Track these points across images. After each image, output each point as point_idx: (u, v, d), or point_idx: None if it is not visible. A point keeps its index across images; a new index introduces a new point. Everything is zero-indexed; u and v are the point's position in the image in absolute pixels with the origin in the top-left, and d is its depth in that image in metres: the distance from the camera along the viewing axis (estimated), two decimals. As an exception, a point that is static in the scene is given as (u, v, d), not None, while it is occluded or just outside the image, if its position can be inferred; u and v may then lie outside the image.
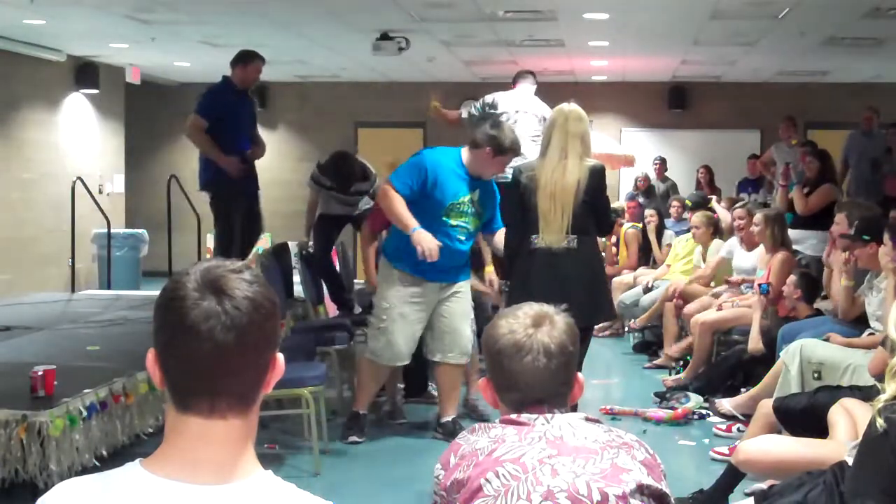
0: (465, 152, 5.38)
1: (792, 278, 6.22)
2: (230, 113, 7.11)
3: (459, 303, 5.50)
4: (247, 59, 7.30)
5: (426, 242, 5.10)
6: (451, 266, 5.40)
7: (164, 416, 1.45)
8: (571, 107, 4.89)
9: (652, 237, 9.51)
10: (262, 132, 14.00)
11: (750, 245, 7.22)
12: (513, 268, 4.96)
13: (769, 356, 5.88)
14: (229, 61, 7.35)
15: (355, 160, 7.44)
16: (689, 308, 7.31)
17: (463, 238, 5.38)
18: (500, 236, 5.49)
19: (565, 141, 4.77)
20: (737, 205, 8.03)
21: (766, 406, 4.43)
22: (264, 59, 7.40)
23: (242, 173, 7.12)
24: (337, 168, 7.27)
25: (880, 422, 2.48)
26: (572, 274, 4.75)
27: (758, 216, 6.88)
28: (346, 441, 5.49)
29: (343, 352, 6.33)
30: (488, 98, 7.08)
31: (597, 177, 4.79)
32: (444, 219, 5.29)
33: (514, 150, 5.36)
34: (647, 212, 9.63)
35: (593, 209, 4.81)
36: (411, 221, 5.16)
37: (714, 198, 9.68)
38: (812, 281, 6.28)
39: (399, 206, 5.21)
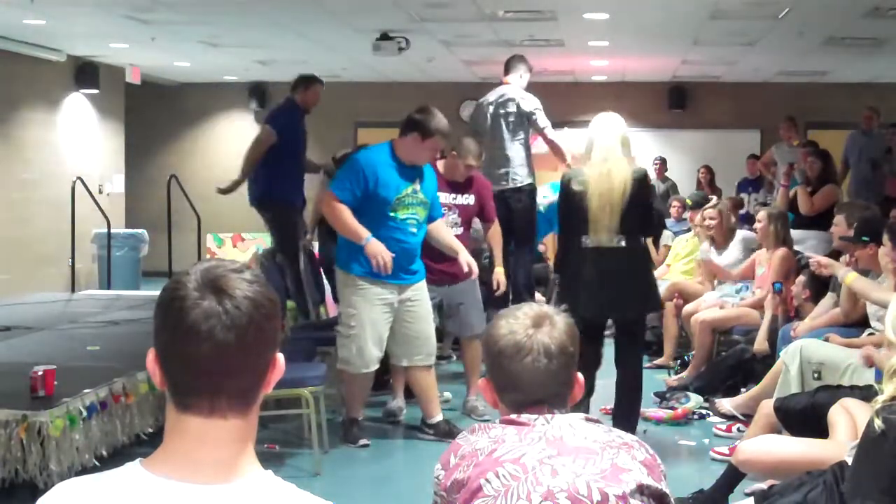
0: (396, 143, 5.32)
1: (801, 279, 6.21)
2: (296, 133, 7.22)
3: (420, 306, 5.45)
4: (308, 83, 7.38)
5: (380, 254, 5.08)
6: (408, 264, 5.35)
7: (164, 416, 1.45)
8: (609, 114, 5.21)
9: (648, 240, 9.50)
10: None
11: (720, 243, 7.28)
12: (563, 265, 5.28)
13: (771, 356, 5.88)
14: (291, 86, 7.50)
15: None
16: (686, 309, 7.33)
17: (415, 230, 5.34)
18: (433, 228, 5.51)
19: (607, 147, 5.02)
20: (708, 205, 8.02)
21: (767, 406, 4.43)
22: (322, 82, 7.50)
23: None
24: None
25: (878, 422, 2.49)
26: (621, 271, 5.03)
27: (761, 214, 6.90)
28: (356, 445, 5.46)
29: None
30: (480, 100, 7.06)
31: (640, 181, 5.04)
32: (393, 214, 5.25)
33: (442, 132, 5.25)
34: None
35: (638, 211, 5.02)
36: (363, 232, 5.13)
37: (714, 198, 9.67)
38: (821, 281, 6.25)
39: (347, 217, 5.17)
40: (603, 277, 4.98)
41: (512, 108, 6.85)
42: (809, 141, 9.98)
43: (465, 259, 5.49)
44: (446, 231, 5.67)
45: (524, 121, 6.86)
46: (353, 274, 5.30)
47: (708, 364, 6.74)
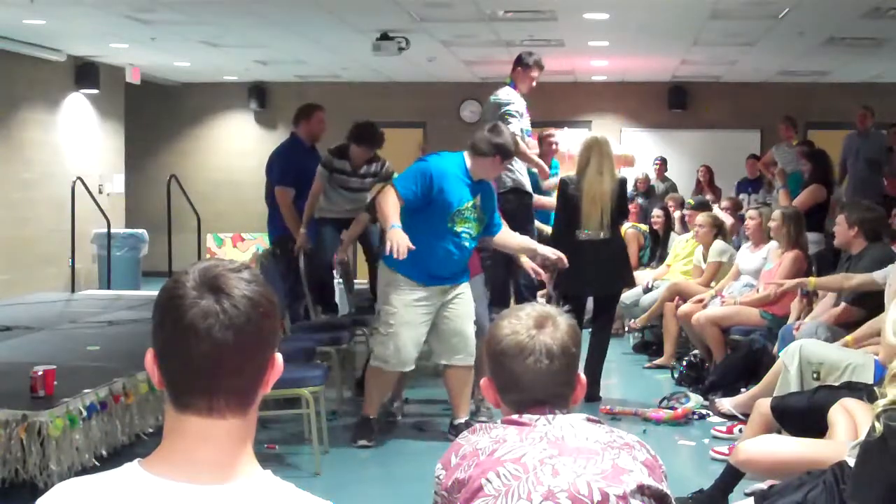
0: (467, 157, 5.38)
1: None
2: (303, 171, 7.00)
3: (462, 305, 5.50)
4: (309, 112, 7.25)
5: (399, 240, 5.03)
6: (454, 271, 5.44)
7: (164, 416, 1.44)
8: (602, 135, 6.67)
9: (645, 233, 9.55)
10: (262, 133, 14.15)
11: (757, 243, 7.21)
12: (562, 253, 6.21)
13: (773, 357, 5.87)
14: (292, 119, 7.36)
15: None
16: (681, 310, 7.33)
17: (467, 244, 5.42)
18: (500, 237, 5.66)
19: (601, 161, 6.33)
20: (749, 207, 8.03)
21: (764, 405, 4.41)
22: (323, 108, 7.37)
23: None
24: (369, 132, 6.90)
25: (879, 427, 2.48)
26: (607, 256, 6.42)
27: (776, 213, 6.86)
28: (356, 445, 5.47)
29: (343, 352, 6.32)
30: (502, 97, 6.70)
31: (621, 186, 6.59)
32: (450, 225, 5.31)
33: (517, 150, 5.69)
34: (655, 212, 9.55)
35: (618, 208, 6.48)
36: (393, 219, 5.13)
37: (712, 197, 9.66)
38: None
39: (389, 204, 5.18)
40: (596, 264, 6.34)
41: (497, 111, 6.61)
42: (805, 140, 9.95)
43: (545, 251, 5.72)
44: (512, 235, 5.76)
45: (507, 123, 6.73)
46: (399, 274, 5.33)
47: (721, 361, 6.73)
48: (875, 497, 2.50)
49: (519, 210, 6.66)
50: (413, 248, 5.06)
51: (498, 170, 5.54)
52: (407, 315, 5.36)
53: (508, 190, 6.67)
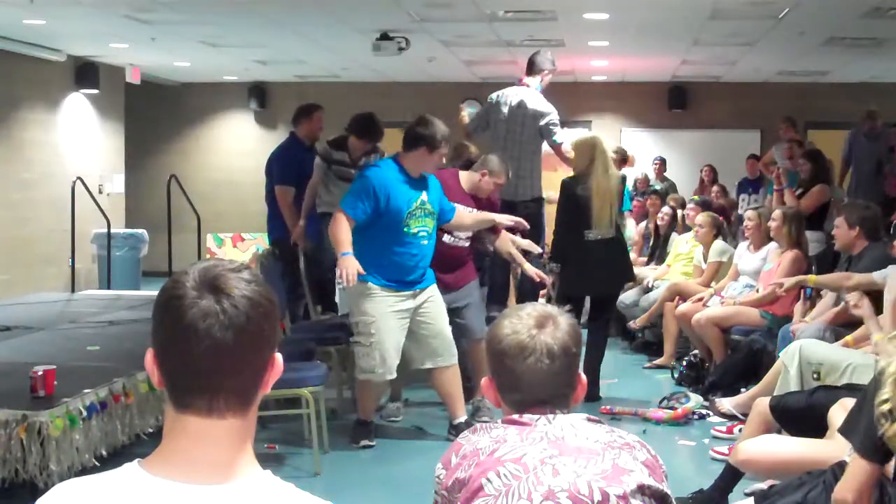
0: (402, 158, 5.38)
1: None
2: (301, 170, 7.02)
3: (435, 307, 5.51)
4: (309, 112, 7.28)
5: (349, 268, 5.10)
6: (419, 273, 5.44)
7: (164, 416, 1.44)
8: (600, 136, 6.68)
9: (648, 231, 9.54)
10: (262, 133, 14.15)
11: (758, 245, 7.19)
12: (567, 255, 6.40)
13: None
14: (291, 119, 7.41)
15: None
16: (680, 309, 7.33)
17: (426, 242, 5.43)
18: (457, 220, 5.65)
19: (605, 160, 6.33)
20: (748, 207, 8.02)
21: (762, 405, 4.41)
22: (323, 108, 7.45)
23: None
24: (371, 126, 6.97)
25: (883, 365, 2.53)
26: (612, 255, 6.48)
27: (776, 213, 6.85)
28: (358, 446, 5.47)
29: (343, 352, 6.32)
30: (542, 107, 6.80)
31: (623, 183, 6.80)
32: (406, 229, 5.32)
33: (447, 140, 5.42)
34: (664, 210, 9.52)
35: (620, 205, 6.68)
36: (345, 246, 5.17)
37: (717, 191, 9.62)
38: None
39: (341, 229, 5.21)
40: (604, 263, 6.38)
41: (529, 119, 6.72)
42: (792, 139, 9.88)
43: (503, 219, 5.76)
44: (467, 214, 5.76)
45: (540, 132, 6.74)
46: (370, 283, 5.32)
47: (721, 361, 6.73)
48: (868, 435, 2.53)
49: (538, 216, 6.75)
50: (363, 272, 5.15)
51: (430, 161, 5.38)
52: (386, 322, 5.34)
53: (533, 199, 6.74)
